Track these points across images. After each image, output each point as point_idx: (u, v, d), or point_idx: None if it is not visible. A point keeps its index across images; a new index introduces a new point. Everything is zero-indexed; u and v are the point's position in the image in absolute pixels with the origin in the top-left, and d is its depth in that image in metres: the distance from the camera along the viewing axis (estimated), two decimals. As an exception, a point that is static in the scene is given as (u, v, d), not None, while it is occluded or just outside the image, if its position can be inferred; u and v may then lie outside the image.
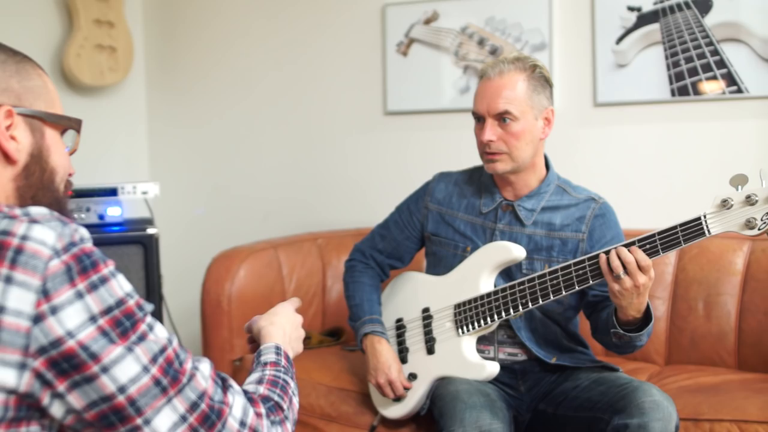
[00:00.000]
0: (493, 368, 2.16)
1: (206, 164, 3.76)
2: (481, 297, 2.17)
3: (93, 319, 1.01)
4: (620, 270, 1.93)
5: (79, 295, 1.00)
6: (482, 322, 2.16)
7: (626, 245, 1.95)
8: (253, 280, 2.83)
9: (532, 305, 2.09)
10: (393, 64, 3.32)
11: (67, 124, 1.23)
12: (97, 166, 3.60)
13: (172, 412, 1.06)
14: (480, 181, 2.33)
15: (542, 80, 2.17)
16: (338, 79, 3.46)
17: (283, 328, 1.43)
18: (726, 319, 2.58)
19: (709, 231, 1.87)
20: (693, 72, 2.83)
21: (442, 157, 2.71)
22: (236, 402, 1.13)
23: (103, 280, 1.03)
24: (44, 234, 1.00)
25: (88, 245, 1.04)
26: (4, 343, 0.97)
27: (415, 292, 2.35)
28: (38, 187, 1.17)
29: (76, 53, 3.38)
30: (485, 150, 2.17)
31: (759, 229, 1.81)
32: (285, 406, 1.22)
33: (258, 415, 1.15)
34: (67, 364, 0.99)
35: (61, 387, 1.00)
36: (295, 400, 1.27)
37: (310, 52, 3.50)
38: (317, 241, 3.10)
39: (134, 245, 2.89)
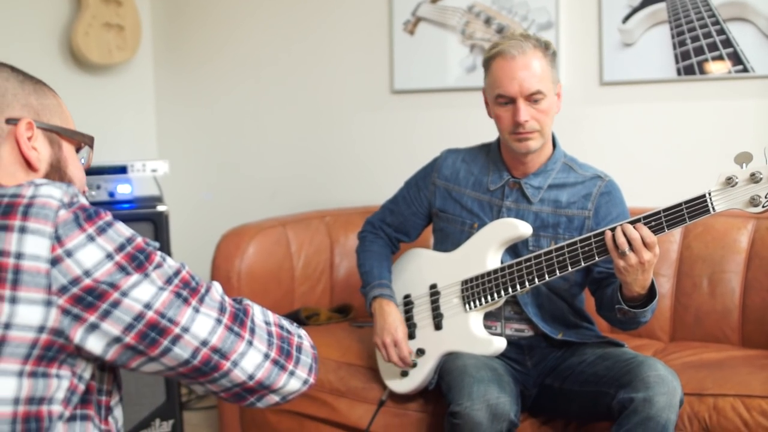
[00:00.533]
0: (500, 343, 2.19)
1: (214, 142, 3.78)
2: (488, 273, 2.19)
3: (110, 256, 1.10)
4: (626, 246, 1.95)
5: (91, 238, 1.09)
6: (489, 297, 2.19)
7: (632, 222, 1.98)
8: (262, 257, 2.86)
9: (539, 281, 2.12)
10: (400, 43, 3.33)
11: (81, 140, 1.32)
12: (106, 144, 3.62)
13: (206, 318, 1.16)
14: (488, 158, 2.36)
15: (553, 56, 2.21)
16: (345, 58, 3.47)
17: None
18: (730, 296, 2.60)
19: (713, 208, 1.89)
20: (699, 51, 2.84)
21: (449, 136, 2.73)
22: (255, 306, 1.26)
23: (109, 224, 1.12)
24: (51, 190, 1.10)
25: (87, 203, 1.14)
26: (27, 283, 1.06)
27: (423, 269, 2.38)
28: None
29: (85, 32, 3.40)
30: (518, 130, 2.17)
31: (763, 207, 1.84)
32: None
33: (276, 317, 1.29)
34: (91, 297, 1.08)
35: (93, 318, 1.08)
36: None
37: (317, 31, 3.51)
38: (325, 219, 3.12)
39: (144, 222, 2.92)
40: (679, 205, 1.93)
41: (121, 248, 1.11)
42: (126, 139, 3.75)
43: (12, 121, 1.21)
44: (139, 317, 1.10)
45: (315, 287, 3.01)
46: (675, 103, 2.93)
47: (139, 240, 1.14)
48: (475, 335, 2.21)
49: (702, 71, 2.85)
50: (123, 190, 2.97)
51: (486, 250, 2.23)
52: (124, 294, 1.09)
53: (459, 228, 2.34)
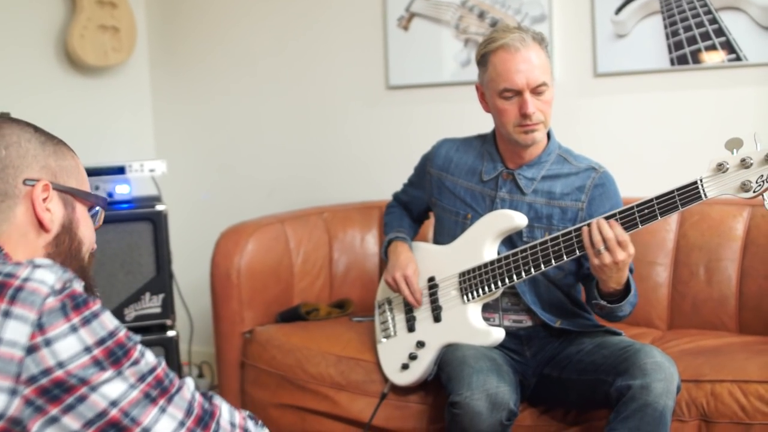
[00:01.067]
0: (498, 334, 2.21)
1: (212, 141, 3.80)
2: (485, 264, 2.21)
3: (87, 349, 1.08)
4: (601, 245, 1.99)
5: (73, 329, 1.08)
6: (486, 288, 2.20)
7: (607, 218, 2.02)
8: (261, 254, 2.88)
9: (535, 271, 2.13)
10: (394, 39, 3.34)
11: (95, 202, 1.35)
12: (104, 145, 3.64)
13: (170, 419, 1.13)
14: (482, 149, 2.37)
15: (548, 48, 2.23)
16: (340, 54, 3.49)
17: None
18: (727, 283, 2.62)
19: (705, 194, 1.91)
20: (692, 41, 2.86)
21: (445, 130, 2.73)
22: (223, 406, 1.22)
23: (95, 315, 1.10)
24: (45, 275, 1.09)
25: (79, 289, 1.12)
26: None
27: (421, 262, 2.40)
28: (66, 254, 1.29)
29: (80, 34, 3.41)
30: (525, 122, 2.18)
31: (754, 192, 1.85)
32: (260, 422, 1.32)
33: (242, 418, 1.25)
34: (58, 389, 1.05)
35: (54, 411, 1.06)
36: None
37: (312, 29, 3.53)
38: (323, 215, 3.14)
39: (143, 222, 2.93)
40: (671, 192, 1.95)
41: (101, 342, 1.09)
42: (124, 139, 3.77)
43: (30, 182, 1.24)
44: (102, 414, 1.07)
45: (314, 283, 3.03)
46: (669, 93, 2.94)
47: (121, 334, 1.12)
48: (473, 326, 2.23)
49: (695, 61, 2.86)
50: (122, 190, 2.99)
51: (482, 241, 2.24)
52: (93, 389, 1.07)
53: (453, 218, 2.36)
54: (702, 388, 2.14)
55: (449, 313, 2.29)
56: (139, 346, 1.14)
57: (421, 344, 2.32)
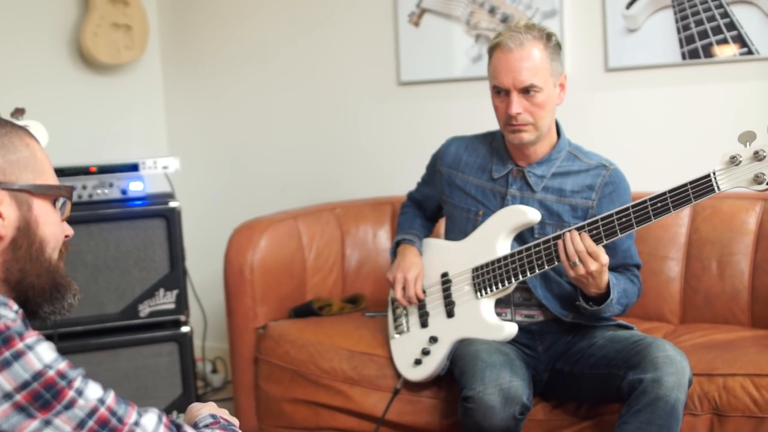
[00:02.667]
0: (511, 329, 2.22)
1: (224, 138, 3.82)
2: (498, 260, 2.22)
3: (8, 396, 0.96)
4: (575, 258, 2.04)
5: None
6: (500, 284, 2.21)
7: (578, 228, 2.07)
8: (274, 250, 2.89)
9: (548, 266, 2.14)
10: (405, 35, 3.35)
11: (56, 194, 1.20)
12: (118, 143, 3.66)
13: None
14: (492, 146, 2.38)
15: (557, 47, 2.22)
16: (351, 50, 3.49)
17: (210, 408, 1.34)
18: (739, 277, 2.61)
19: (718, 187, 1.91)
20: (703, 35, 2.85)
21: (456, 126, 2.74)
22: None
23: (18, 356, 0.98)
24: None
25: (2, 323, 0.99)
26: None
27: (434, 258, 2.41)
28: (26, 259, 1.15)
29: (93, 32, 3.43)
30: (511, 122, 2.21)
31: (767, 184, 1.86)
32: None
33: None
34: None
35: None
36: None
37: (323, 25, 3.54)
38: (335, 211, 3.15)
39: (157, 219, 2.95)
40: (685, 185, 1.95)
41: (24, 386, 0.97)
42: (137, 137, 3.79)
43: None
44: None
45: (327, 278, 3.04)
46: (680, 88, 2.94)
47: (51, 373, 0.99)
48: (486, 321, 2.24)
49: (707, 55, 2.86)
50: (135, 187, 3.00)
51: (495, 237, 2.25)
52: None
53: (464, 215, 2.37)
54: (714, 381, 2.15)
55: (462, 308, 2.30)
56: (77, 383, 1.02)
57: (434, 339, 2.33)
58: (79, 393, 1.01)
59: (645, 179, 2.70)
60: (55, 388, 0.99)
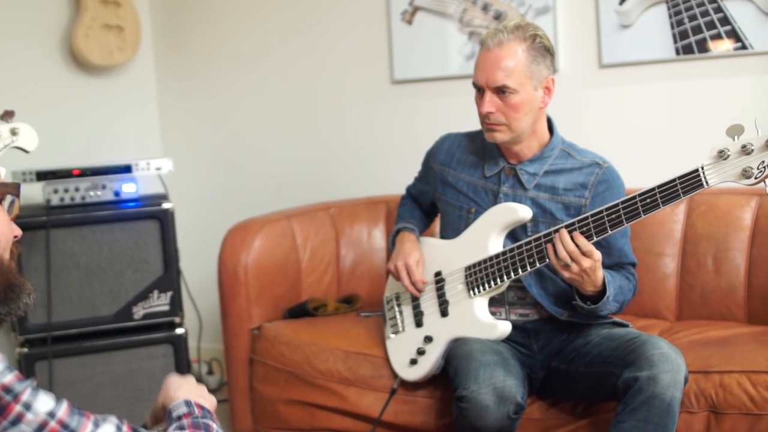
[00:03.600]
0: (505, 327, 2.21)
1: (218, 139, 3.80)
2: (491, 258, 2.21)
3: None
4: (568, 259, 2.03)
5: None
6: (492, 282, 2.20)
7: (568, 226, 2.05)
8: (268, 250, 2.88)
9: (540, 264, 2.13)
10: (398, 33, 3.34)
11: (2, 191, 1.17)
12: (110, 145, 3.65)
13: None
14: (484, 144, 2.37)
15: (542, 49, 2.18)
16: (345, 50, 3.48)
17: (187, 390, 1.35)
18: (735, 273, 2.60)
19: (707, 182, 1.90)
20: (697, 30, 2.84)
21: (451, 124, 2.73)
22: None
23: None
24: None
25: None
26: None
27: (428, 257, 2.40)
28: None
29: (85, 34, 3.42)
30: (484, 120, 2.21)
31: (755, 178, 1.85)
32: None
33: None
34: None
35: None
36: None
37: (316, 25, 3.52)
38: (330, 211, 3.14)
39: (150, 220, 2.94)
40: (673, 180, 1.94)
41: None
42: (130, 138, 3.77)
43: None
44: None
45: (322, 278, 3.03)
46: (675, 83, 2.93)
47: None
48: (480, 320, 2.23)
49: (701, 50, 2.85)
50: (128, 189, 3.00)
51: (488, 235, 2.24)
52: None
53: (457, 213, 2.36)
54: (711, 379, 2.14)
55: (456, 307, 2.29)
56: (25, 396, 0.98)
57: (428, 339, 2.32)
58: (27, 407, 0.98)
59: (640, 176, 2.69)
60: (1, 402, 0.96)
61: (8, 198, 1.19)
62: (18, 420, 0.96)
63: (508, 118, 2.18)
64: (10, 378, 0.98)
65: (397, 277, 2.38)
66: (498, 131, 2.20)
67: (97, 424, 1.03)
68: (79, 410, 1.03)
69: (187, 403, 1.27)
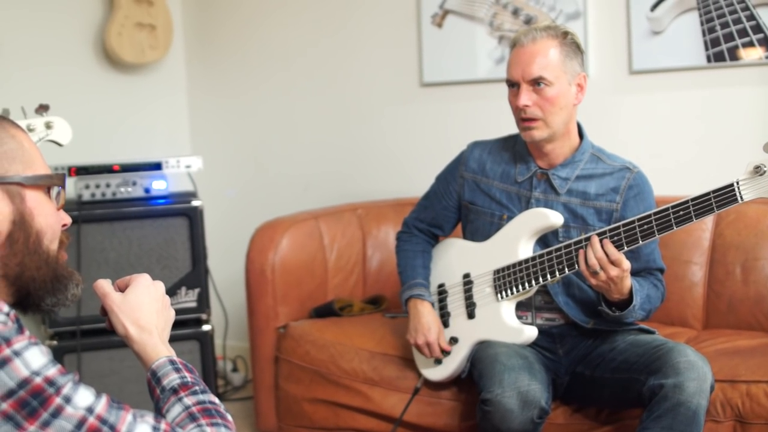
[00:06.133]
0: (531, 332, 2.21)
1: (247, 137, 3.83)
2: (520, 263, 2.21)
3: None
4: (597, 267, 2.03)
5: None
6: (521, 287, 2.21)
7: (600, 235, 2.06)
8: (295, 250, 2.90)
9: (569, 271, 2.13)
10: (428, 36, 3.35)
11: (49, 183, 1.16)
12: (141, 142, 3.69)
13: None
14: (515, 150, 2.37)
15: (574, 46, 2.20)
16: (374, 51, 3.50)
17: (154, 326, 1.25)
18: (764, 283, 2.59)
19: (741, 197, 1.89)
20: (729, 37, 2.83)
21: (479, 128, 2.74)
22: None
23: (4, 362, 0.96)
24: None
25: None
26: None
27: (457, 258, 2.41)
28: (24, 253, 1.12)
29: (117, 32, 3.46)
30: (521, 116, 2.21)
31: None
32: None
33: None
34: None
35: None
36: (228, 416, 1.19)
37: (346, 26, 3.54)
38: (357, 212, 3.16)
39: (180, 217, 2.97)
40: (708, 194, 1.94)
41: (9, 394, 0.94)
42: (160, 136, 3.81)
43: None
44: None
45: (348, 279, 3.05)
46: (705, 91, 2.92)
47: (38, 380, 0.97)
48: (507, 324, 2.24)
49: (732, 58, 2.83)
50: (158, 186, 3.02)
51: (518, 239, 2.25)
52: None
53: (489, 220, 2.36)
54: (737, 388, 2.13)
55: (483, 310, 2.29)
56: (66, 389, 0.99)
57: (454, 340, 2.33)
58: (67, 400, 0.98)
59: (668, 183, 2.69)
60: (42, 395, 0.96)
61: (55, 189, 1.18)
62: (58, 413, 0.97)
63: (545, 111, 2.18)
64: (53, 371, 0.99)
65: (421, 353, 2.38)
66: (535, 128, 2.20)
67: (135, 419, 1.03)
68: (118, 404, 1.04)
69: (175, 367, 1.20)
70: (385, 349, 2.57)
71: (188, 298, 2.98)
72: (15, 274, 1.11)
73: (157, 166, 3.03)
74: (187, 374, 1.19)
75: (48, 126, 2.17)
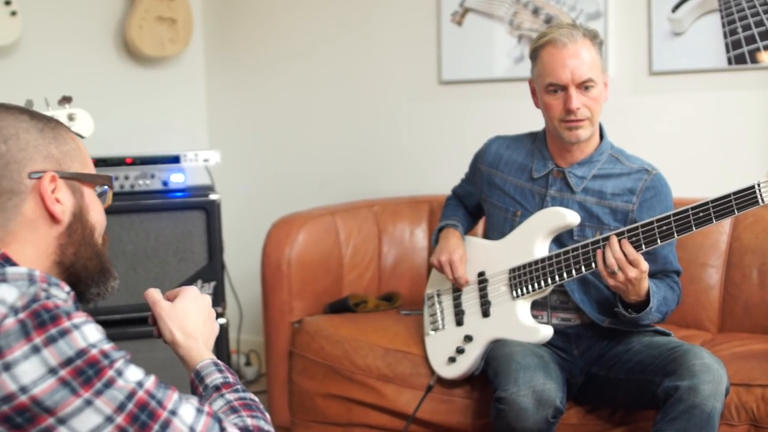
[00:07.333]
0: (546, 331, 2.21)
1: (264, 132, 3.84)
2: (536, 262, 2.21)
3: (53, 371, 1.00)
4: (615, 267, 2.03)
5: (35, 350, 1.01)
6: (536, 286, 2.20)
7: (618, 235, 2.05)
8: (311, 245, 2.91)
9: (585, 270, 2.13)
10: (448, 34, 3.34)
11: (101, 182, 1.28)
12: (159, 135, 3.70)
13: None
14: (533, 146, 2.37)
15: (601, 45, 2.22)
16: (393, 48, 3.50)
17: (200, 333, 1.35)
18: (781, 287, 2.58)
19: (762, 200, 1.89)
20: (750, 40, 2.82)
21: (497, 127, 2.74)
22: None
23: (63, 333, 1.03)
24: (6, 293, 1.04)
25: (53, 302, 1.05)
26: None
27: (472, 257, 2.41)
28: (80, 243, 1.23)
29: (138, 25, 3.48)
30: (569, 118, 2.18)
31: None
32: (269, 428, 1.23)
33: None
34: (21, 418, 1.00)
35: None
36: (267, 413, 1.26)
37: (366, 23, 3.54)
38: (373, 208, 3.16)
39: (197, 211, 2.97)
40: (728, 195, 1.93)
41: (67, 362, 1.01)
42: (179, 129, 3.83)
43: (35, 175, 1.17)
44: None
45: (363, 275, 3.05)
46: (726, 93, 2.90)
47: (94, 352, 1.03)
48: (522, 323, 2.24)
49: (753, 60, 2.82)
50: (176, 179, 3.03)
51: (534, 238, 2.25)
52: (61, 422, 1.00)
53: (502, 215, 2.36)
54: (752, 392, 2.12)
55: (498, 308, 2.29)
56: (118, 364, 1.05)
57: (468, 338, 2.33)
58: (119, 373, 1.05)
59: (687, 185, 2.68)
60: (97, 366, 1.03)
61: (103, 188, 1.29)
62: (110, 384, 1.03)
63: (592, 111, 2.19)
64: (107, 346, 1.06)
65: (441, 271, 2.39)
66: (582, 127, 2.19)
67: (180, 400, 1.10)
68: (165, 384, 1.11)
69: (218, 368, 1.29)
70: (399, 345, 2.58)
71: (204, 292, 2.98)
72: (70, 262, 1.21)
73: (175, 160, 3.04)
74: (229, 375, 1.28)
75: (71, 118, 2.19)
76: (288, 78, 3.75)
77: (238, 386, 1.26)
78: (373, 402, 2.57)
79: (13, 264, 1.13)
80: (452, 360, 2.36)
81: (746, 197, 1.91)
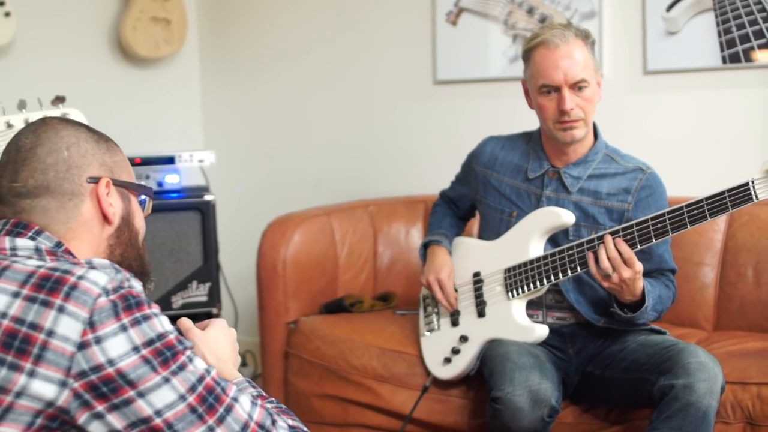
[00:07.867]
0: (542, 331, 2.21)
1: (260, 133, 3.84)
2: (531, 261, 2.21)
3: (136, 349, 1.13)
4: (609, 270, 2.03)
5: (123, 328, 1.14)
6: (532, 285, 2.21)
7: (612, 234, 2.05)
8: (307, 245, 2.91)
9: (581, 270, 2.13)
10: (442, 34, 3.34)
11: (144, 192, 1.43)
12: (154, 136, 3.70)
13: None
14: (528, 147, 2.37)
15: (593, 45, 2.22)
16: (388, 48, 3.50)
17: (229, 357, 1.44)
18: (776, 285, 2.58)
19: (756, 196, 1.89)
20: (745, 39, 2.82)
21: (492, 126, 2.74)
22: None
23: (146, 318, 1.16)
24: (98, 276, 1.16)
25: (137, 290, 1.19)
26: (49, 361, 1.11)
27: (467, 257, 2.41)
28: (126, 244, 1.37)
29: (132, 26, 3.47)
30: (563, 119, 2.18)
31: None
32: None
33: None
34: (106, 388, 1.11)
35: (100, 407, 1.12)
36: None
37: (361, 22, 3.54)
38: (369, 208, 3.16)
39: (192, 212, 2.98)
40: (722, 193, 1.93)
41: (149, 342, 1.14)
42: (173, 130, 3.82)
43: (92, 180, 1.31)
44: (145, 421, 1.13)
45: (359, 275, 3.05)
46: (720, 92, 2.91)
47: (171, 338, 1.18)
48: (517, 323, 2.24)
49: (747, 59, 2.82)
50: (171, 180, 3.04)
51: (529, 238, 2.25)
52: (141, 395, 1.12)
53: (498, 216, 2.36)
54: (748, 390, 2.12)
55: (493, 308, 2.29)
56: (188, 352, 1.19)
57: (464, 339, 2.33)
58: (190, 359, 1.18)
59: (682, 184, 2.68)
60: (174, 349, 1.17)
61: (144, 197, 1.43)
62: (183, 367, 1.16)
63: (585, 111, 2.19)
64: (177, 336, 1.20)
65: (430, 290, 2.40)
66: (576, 128, 2.19)
67: (239, 391, 1.22)
68: (223, 378, 1.22)
69: (251, 383, 1.39)
70: (395, 345, 2.58)
71: (199, 292, 2.99)
72: (117, 261, 1.32)
73: (170, 160, 3.04)
74: (262, 391, 1.37)
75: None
76: (283, 78, 3.75)
77: (273, 399, 1.35)
78: (369, 402, 2.57)
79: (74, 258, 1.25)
80: (448, 360, 2.36)
81: (740, 194, 1.91)
